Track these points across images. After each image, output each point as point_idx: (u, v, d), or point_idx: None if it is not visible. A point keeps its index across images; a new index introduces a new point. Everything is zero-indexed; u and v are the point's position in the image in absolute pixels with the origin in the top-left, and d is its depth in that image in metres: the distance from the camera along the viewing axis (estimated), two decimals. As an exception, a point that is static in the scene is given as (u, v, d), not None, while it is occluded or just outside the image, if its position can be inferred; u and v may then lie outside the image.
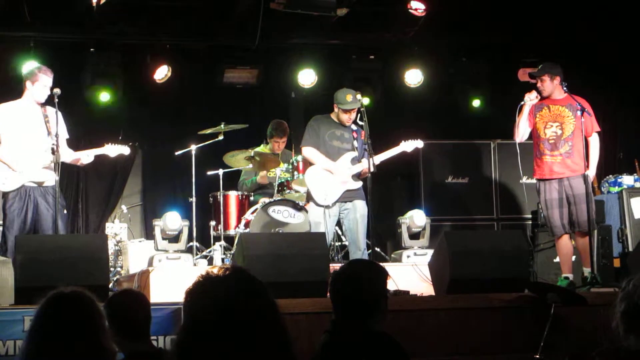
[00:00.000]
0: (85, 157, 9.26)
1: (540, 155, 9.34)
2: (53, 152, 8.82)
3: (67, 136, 9.28)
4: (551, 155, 9.25)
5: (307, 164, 9.95)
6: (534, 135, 9.43)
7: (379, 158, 9.59)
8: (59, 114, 9.01)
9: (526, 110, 9.32)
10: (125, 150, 9.56)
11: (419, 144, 10.17)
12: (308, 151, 9.85)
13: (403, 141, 10.07)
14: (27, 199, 8.90)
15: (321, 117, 9.97)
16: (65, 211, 9.25)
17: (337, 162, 9.73)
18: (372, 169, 9.10)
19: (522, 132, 9.41)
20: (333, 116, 9.87)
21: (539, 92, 9.34)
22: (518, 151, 9.26)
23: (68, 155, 9.22)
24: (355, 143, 9.81)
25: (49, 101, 9.11)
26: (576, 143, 9.22)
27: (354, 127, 9.87)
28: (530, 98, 9.30)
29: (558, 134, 9.25)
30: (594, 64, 12.75)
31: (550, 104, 9.36)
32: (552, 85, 9.31)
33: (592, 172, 9.34)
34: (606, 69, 12.75)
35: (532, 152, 9.48)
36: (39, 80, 9.07)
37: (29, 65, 10.06)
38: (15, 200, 8.92)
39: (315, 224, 9.66)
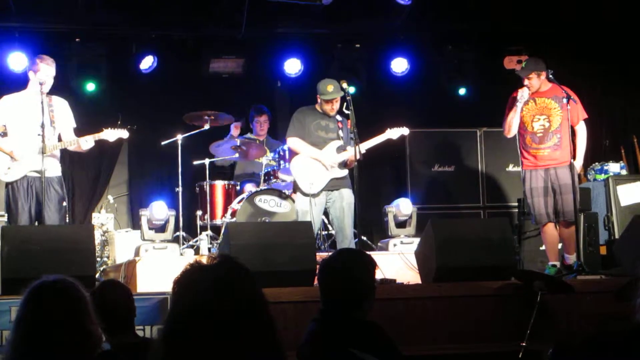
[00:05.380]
0: (84, 142, 9.06)
1: (527, 147, 9.35)
2: (59, 140, 8.90)
3: (74, 125, 9.29)
4: (539, 149, 9.26)
5: (294, 152, 9.95)
6: (520, 127, 9.42)
7: (364, 146, 9.59)
8: (66, 103, 9.14)
9: (519, 106, 9.32)
10: (124, 134, 9.40)
11: (404, 131, 10.15)
12: (293, 141, 9.83)
13: (388, 129, 10.06)
14: (29, 189, 8.87)
15: (306, 109, 9.95)
16: (64, 203, 9.19)
17: (323, 151, 9.72)
18: (358, 157, 9.11)
19: (514, 128, 9.42)
20: (318, 107, 9.86)
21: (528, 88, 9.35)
22: (506, 140, 9.25)
23: (72, 144, 9.15)
24: (341, 132, 9.80)
25: (56, 91, 9.14)
26: (564, 134, 9.24)
27: (339, 117, 9.86)
28: (523, 96, 9.30)
29: (546, 126, 9.25)
30: (578, 52, 12.77)
31: (537, 97, 9.36)
32: (539, 82, 9.32)
33: (579, 162, 9.36)
34: (590, 56, 12.76)
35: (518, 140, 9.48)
36: (40, 70, 9.01)
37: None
38: (17, 190, 8.90)
39: (301, 213, 9.65)
